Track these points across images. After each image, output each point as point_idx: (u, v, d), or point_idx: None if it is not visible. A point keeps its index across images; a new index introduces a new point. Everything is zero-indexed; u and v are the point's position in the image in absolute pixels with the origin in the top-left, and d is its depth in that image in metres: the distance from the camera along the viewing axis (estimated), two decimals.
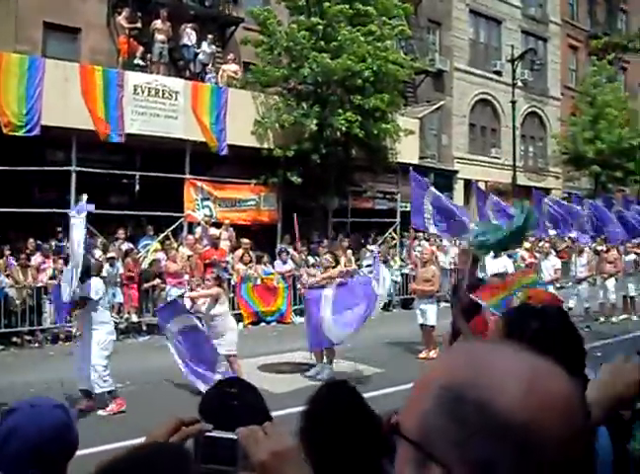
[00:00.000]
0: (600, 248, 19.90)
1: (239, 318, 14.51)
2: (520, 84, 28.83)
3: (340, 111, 18.38)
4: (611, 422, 2.21)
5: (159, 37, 18.53)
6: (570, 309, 14.47)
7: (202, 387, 8.43)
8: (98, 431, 7.28)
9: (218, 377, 8.08)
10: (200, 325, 9.55)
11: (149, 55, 18.70)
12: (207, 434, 1.47)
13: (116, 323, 14.36)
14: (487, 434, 0.81)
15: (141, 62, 18.33)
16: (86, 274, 8.67)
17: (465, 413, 0.82)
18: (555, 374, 0.87)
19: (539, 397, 0.83)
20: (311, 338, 10.68)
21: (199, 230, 17.27)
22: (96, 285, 8.74)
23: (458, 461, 0.81)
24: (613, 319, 16.57)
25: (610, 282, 16.84)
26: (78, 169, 15.89)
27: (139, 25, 18.70)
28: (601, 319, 16.49)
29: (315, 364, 10.75)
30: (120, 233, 16.31)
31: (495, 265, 14.41)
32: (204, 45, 19.48)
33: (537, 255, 19.10)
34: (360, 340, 10.88)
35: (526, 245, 20.29)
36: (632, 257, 17.72)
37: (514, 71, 26.91)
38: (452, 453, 0.82)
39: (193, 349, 9.23)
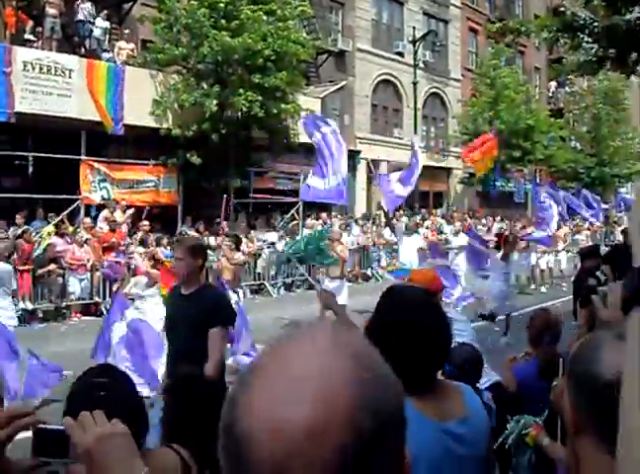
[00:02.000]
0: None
1: None
2: (421, 65, 29.28)
3: (240, 90, 18.14)
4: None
5: (50, 10, 17.64)
6: None
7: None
8: None
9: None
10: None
11: (40, 30, 17.88)
12: (39, 426, 1.42)
13: None
14: None
15: (32, 37, 17.51)
16: None
17: None
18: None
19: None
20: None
21: (103, 214, 16.79)
22: None
23: None
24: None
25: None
26: None
27: None
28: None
29: None
30: (19, 218, 15.59)
31: (410, 242, 14.53)
32: (99, 21, 18.76)
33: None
34: (257, 322, 10.76)
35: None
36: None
37: (415, 52, 27.29)
38: None
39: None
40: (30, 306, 14.34)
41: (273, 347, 0.83)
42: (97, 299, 15.08)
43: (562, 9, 25.07)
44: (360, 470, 0.74)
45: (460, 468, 1.96)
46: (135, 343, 8.14)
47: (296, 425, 0.73)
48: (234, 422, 0.77)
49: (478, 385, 3.81)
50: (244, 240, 18.09)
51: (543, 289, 18.52)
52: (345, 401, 0.75)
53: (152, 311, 9.48)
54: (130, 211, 17.26)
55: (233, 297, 10.59)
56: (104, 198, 17.35)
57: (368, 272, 21.47)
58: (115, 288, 11.71)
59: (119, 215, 16.93)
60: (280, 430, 0.73)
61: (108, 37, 19.24)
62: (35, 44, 17.32)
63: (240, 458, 0.75)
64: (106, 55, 18.64)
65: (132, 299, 9.67)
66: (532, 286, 18.72)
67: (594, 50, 12.42)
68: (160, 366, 7.85)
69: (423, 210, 27.58)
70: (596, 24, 12.01)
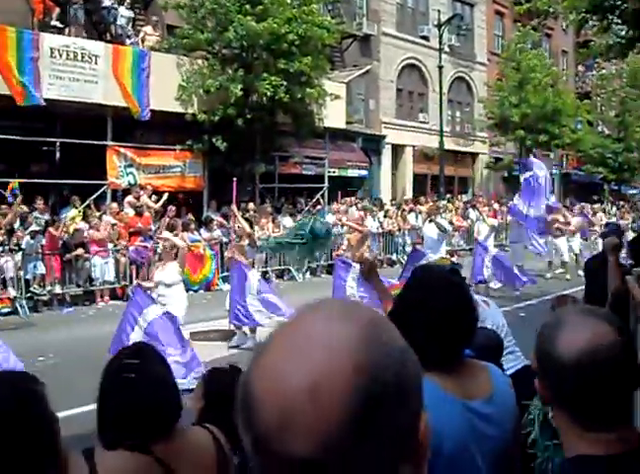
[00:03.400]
0: None
1: None
2: (447, 49, 29.01)
3: (265, 75, 18.12)
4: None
5: None
6: None
7: None
8: None
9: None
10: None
11: (67, 17, 17.97)
12: None
13: (38, 295, 14.15)
14: None
15: (58, 24, 17.60)
16: None
17: None
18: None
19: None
20: (232, 311, 10.58)
21: (128, 199, 16.92)
22: None
23: None
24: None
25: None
26: None
27: None
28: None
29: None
30: (40, 203, 15.71)
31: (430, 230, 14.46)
32: (122, 10, 18.81)
33: None
34: (287, 305, 10.83)
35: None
36: None
37: (440, 36, 27.03)
38: None
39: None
40: (58, 290, 14.54)
41: (290, 317, 0.87)
42: (124, 283, 15.25)
43: None
44: (361, 433, 0.76)
45: (488, 447, 1.97)
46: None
47: (297, 384, 0.76)
48: (245, 384, 0.81)
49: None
50: (270, 225, 18.20)
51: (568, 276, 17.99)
52: (346, 365, 0.77)
53: (177, 298, 9.51)
54: (165, 197, 17.42)
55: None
56: (130, 184, 17.44)
57: (394, 256, 21.45)
58: (138, 278, 11.72)
59: (145, 201, 17.05)
60: (282, 389, 0.77)
61: (132, 24, 19.29)
62: (62, 31, 17.41)
63: (248, 419, 0.79)
64: (131, 41, 18.70)
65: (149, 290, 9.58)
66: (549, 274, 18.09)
67: (623, 32, 12.23)
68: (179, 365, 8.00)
69: (448, 196, 27.42)
70: (626, 5, 11.80)
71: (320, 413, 0.75)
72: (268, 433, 0.77)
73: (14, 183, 14.59)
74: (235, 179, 12.27)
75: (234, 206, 12.12)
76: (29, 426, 1.85)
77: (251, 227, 11.57)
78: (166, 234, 10.80)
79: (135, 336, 8.32)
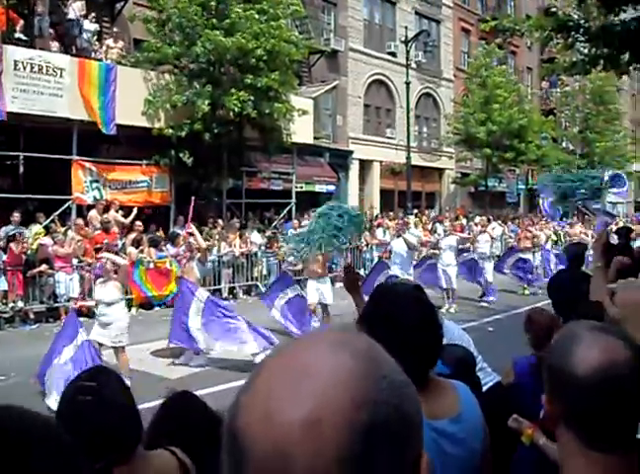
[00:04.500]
0: None
1: (130, 303, 14.12)
2: (413, 65, 29.30)
3: (233, 90, 18.08)
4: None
5: (39, 9, 17.58)
6: None
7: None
8: None
9: None
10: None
11: (32, 29, 17.76)
12: None
13: (0, 311, 13.87)
14: None
15: (22, 36, 17.39)
16: None
17: None
18: None
19: None
20: (173, 330, 10.39)
21: (92, 214, 16.74)
22: None
23: None
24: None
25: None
26: None
27: None
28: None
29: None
30: (15, 216, 15.51)
31: (398, 245, 14.53)
32: (87, 23, 18.61)
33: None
34: (254, 320, 10.73)
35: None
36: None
37: (407, 52, 27.26)
38: None
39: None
40: (22, 307, 14.27)
41: (278, 348, 0.82)
42: (88, 300, 15.00)
43: (554, 9, 25.10)
44: (359, 471, 0.71)
45: (453, 468, 1.93)
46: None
47: (293, 418, 0.71)
48: (234, 418, 0.76)
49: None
50: (237, 241, 18.12)
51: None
52: (345, 398, 0.73)
53: (117, 317, 9.30)
54: (135, 211, 17.31)
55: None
56: (96, 199, 17.26)
57: (362, 271, 21.42)
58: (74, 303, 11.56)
59: (114, 215, 16.91)
60: (275, 423, 0.72)
61: (97, 37, 19.12)
62: (26, 44, 17.19)
63: (238, 455, 0.74)
64: (96, 55, 18.54)
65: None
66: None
67: (586, 50, 12.43)
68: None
69: (415, 211, 27.55)
70: (589, 24, 12.01)
71: (318, 449, 0.70)
72: (259, 471, 0.72)
73: None
74: (194, 197, 12.29)
75: (190, 224, 12.07)
76: None
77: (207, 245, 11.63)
78: (106, 254, 10.65)
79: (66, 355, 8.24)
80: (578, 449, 1.48)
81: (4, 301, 13.99)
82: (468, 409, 2.04)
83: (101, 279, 9.64)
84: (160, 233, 17.67)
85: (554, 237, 24.68)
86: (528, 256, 18.29)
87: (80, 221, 16.31)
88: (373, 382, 0.76)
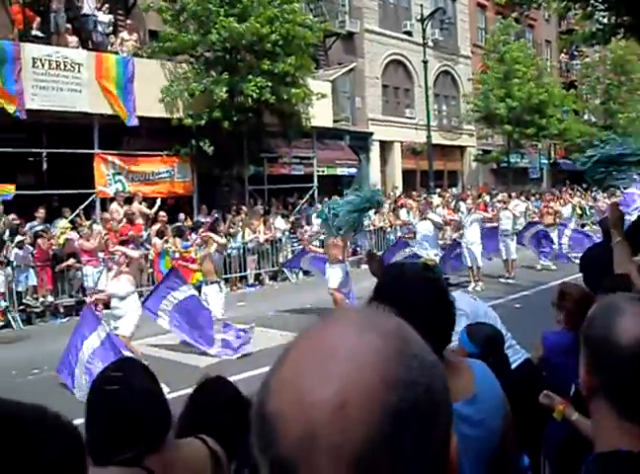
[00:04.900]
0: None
1: None
2: (430, 44, 29.00)
3: (250, 77, 18.06)
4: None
5: (54, 5, 17.65)
6: None
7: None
8: None
9: None
10: None
11: (49, 26, 17.84)
12: None
13: (31, 307, 14.05)
14: None
15: (39, 33, 17.47)
16: None
17: None
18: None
19: None
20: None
21: (113, 207, 16.83)
22: None
23: None
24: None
25: None
26: None
27: None
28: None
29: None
30: (40, 213, 15.68)
31: (424, 226, 14.45)
32: (100, 15, 18.67)
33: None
34: (281, 305, 10.79)
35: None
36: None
37: (424, 31, 27.01)
38: None
39: None
40: (51, 300, 14.44)
41: (306, 329, 0.81)
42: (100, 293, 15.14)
43: None
44: (391, 452, 0.71)
45: (471, 449, 1.89)
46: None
47: (323, 399, 0.71)
48: (263, 401, 0.76)
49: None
50: (261, 227, 18.17)
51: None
52: (375, 379, 0.73)
53: (130, 310, 9.48)
54: (159, 202, 17.44)
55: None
56: (119, 191, 17.36)
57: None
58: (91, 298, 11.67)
59: (139, 207, 17.01)
60: (306, 404, 0.72)
61: (112, 29, 19.17)
62: (43, 40, 17.28)
63: (269, 437, 0.74)
64: (112, 48, 18.60)
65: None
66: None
67: (606, 19, 12.23)
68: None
69: (437, 190, 27.42)
70: None
71: (349, 430, 0.70)
72: (290, 452, 0.72)
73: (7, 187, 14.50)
74: (214, 212, 12.47)
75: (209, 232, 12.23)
76: None
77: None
78: (119, 247, 10.74)
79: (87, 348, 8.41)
80: (613, 421, 1.48)
81: (34, 296, 14.16)
82: (485, 389, 2.01)
83: (113, 273, 9.76)
84: (188, 222, 17.76)
85: (579, 211, 24.46)
86: (552, 232, 17.94)
87: (107, 215, 16.46)
88: (403, 362, 0.76)
